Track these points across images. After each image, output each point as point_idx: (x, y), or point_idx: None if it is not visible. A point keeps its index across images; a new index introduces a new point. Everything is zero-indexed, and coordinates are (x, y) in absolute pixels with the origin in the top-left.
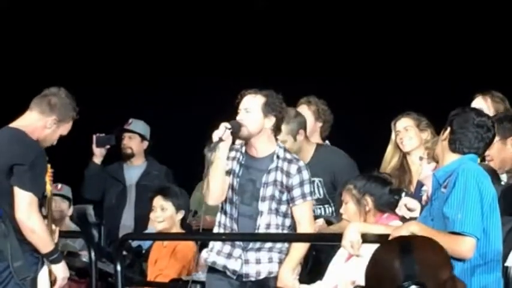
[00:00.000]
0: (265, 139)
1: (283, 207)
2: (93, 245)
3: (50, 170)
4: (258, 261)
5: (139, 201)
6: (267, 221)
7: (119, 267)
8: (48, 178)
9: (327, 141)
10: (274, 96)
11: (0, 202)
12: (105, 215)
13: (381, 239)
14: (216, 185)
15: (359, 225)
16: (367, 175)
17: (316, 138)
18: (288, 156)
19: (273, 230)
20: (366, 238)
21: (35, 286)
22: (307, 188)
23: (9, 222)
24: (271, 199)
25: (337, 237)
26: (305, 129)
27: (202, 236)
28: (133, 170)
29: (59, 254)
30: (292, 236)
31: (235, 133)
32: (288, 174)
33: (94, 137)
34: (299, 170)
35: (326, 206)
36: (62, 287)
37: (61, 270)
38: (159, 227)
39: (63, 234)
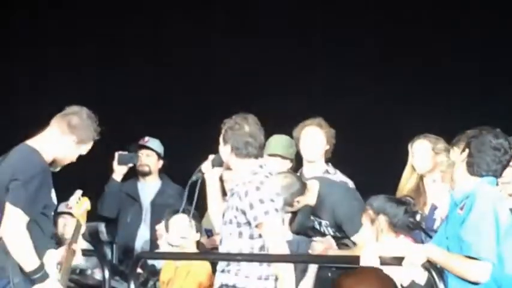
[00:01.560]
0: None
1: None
2: (106, 263)
3: (85, 206)
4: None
5: (154, 219)
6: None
7: (132, 286)
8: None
9: (329, 164)
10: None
11: (1, 218)
12: (119, 232)
13: (396, 261)
14: (213, 212)
15: (375, 246)
16: (385, 196)
17: (321, 162)
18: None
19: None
20: (382, 260)
21: None
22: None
23: None
24: (230, 222)
25: (353, 259)
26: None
27: (217, 256)
28: (148, 189)
29: (44, 272)
30: (308, 258)
31: (218, 165)
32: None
33: (116, 154)
34: (246, 193)
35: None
36: None
37: None
38: (178, 243)
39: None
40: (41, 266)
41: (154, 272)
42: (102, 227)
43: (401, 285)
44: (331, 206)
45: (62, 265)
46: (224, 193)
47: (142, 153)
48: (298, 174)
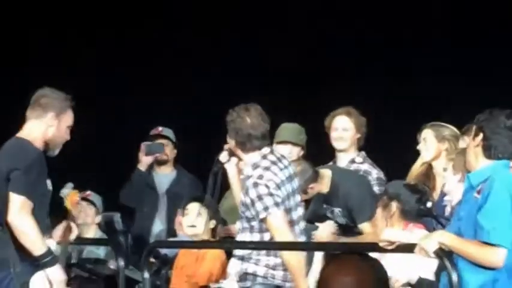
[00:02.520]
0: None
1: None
2: (121, 252)
3: (76, 197)
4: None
5: (170, 208)
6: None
7: (146, 275)
8: (70, 203)
9: (362, 152)
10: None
11: (2, 209)
12: (135, 222)
13: (411, 248)
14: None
15: (393, 232)
16: (403, 182)
17: (352, 151)
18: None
19: None
20: (399, 247)
21: None
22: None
23: (9, 229)
24: (241, 217)
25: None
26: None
27: (230, 244)
28: (164, 178)
29: (53, 257)
30: (322, 245)
31: (233, 155)
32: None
33: (142, 145)
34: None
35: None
36: None
37: (56, 273)
38: (189, 231)
39: (91, 241)
40: (50, 250)
41: (166, 261)
42: (117, 216)
43: (409, 284)
44: (343, 194)
45: (61, 243)
46: None
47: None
48: (331, 163)
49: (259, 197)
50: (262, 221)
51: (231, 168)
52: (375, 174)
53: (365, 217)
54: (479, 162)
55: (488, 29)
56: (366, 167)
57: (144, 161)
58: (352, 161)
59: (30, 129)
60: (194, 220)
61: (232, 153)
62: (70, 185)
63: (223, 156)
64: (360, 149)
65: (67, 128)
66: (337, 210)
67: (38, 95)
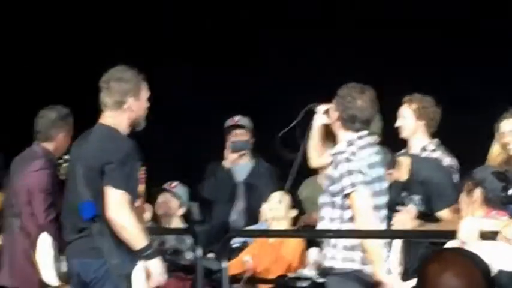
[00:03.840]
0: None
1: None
2: (199, 242)
3: (142, 169)
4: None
5: (248, 198)
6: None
7: (224, 264)
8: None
9: (436, 139)
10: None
11: (97, 201)
12: (214, 211)
13: (494, 235)
14: (311, 149)
15: (475, 220)
16: (492, 168)
17: (420, 138)
18: None
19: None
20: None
21: (129, 283)
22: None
23: (105, 220)
24: (325, 192)
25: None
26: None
27: (308, 233)
28: (241, 168)
29: (153, 250)
30: (401, 233)
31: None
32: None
33: (230, 142)
34: (337, 164)
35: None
36: (163, 283)
37: (156, 266)
38: (269, 214)
39: (172, 232)
40: (150, 244)
41: (235, 249)
42: (195, 207)
43: None
44: (422, 181)
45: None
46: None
47: (236, 133)
48: (403, 150)
49: (349, 172)
50: (346, 196)
51: (318, 120)
52: (446, 162)
53: (444, 204)
54: None
55: None
56: (438, 154)
57: (230, 158)
58: (424, 149)
59: (114, 119)
60: (274, 204)
61: (326, 113)
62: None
63: (321, 108)
64: (433, 135)
65: (146, 100)
66: (416, 197)
67: (105, 81)
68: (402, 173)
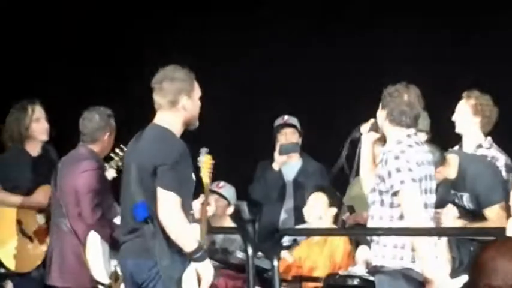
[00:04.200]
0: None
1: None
2: (249, 241)
3: (210, 162)
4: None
5: (296, 197)
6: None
7: (275, 263)
8: (206, 169)
9: (489, 138)
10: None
11: (149, 203)
12: (264, 210)
13: None
14: (363, 176)
15: None
16: None
17: (473, 134)
18: None
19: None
20: None
21: (180, 285)
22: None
23: (158, 222)
24: (374, 190)
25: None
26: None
27: (356, 231)
28: (290, 167)
29: (203, 252)
30: (447, 230)
31: (374, 130)
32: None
33: (278, 145)
34: (386, 161)
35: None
36: (212, 284)
37: (205, 268)
38: (307, 214)
39: (222, 231)
40: (201, 246)
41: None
42: (244, 206)
43: None
44: (471, 179)
45: (200, 217)
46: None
47: (286, 132)
48: (457, 147)
49: (398, 170)
50: (396, 194)
51: (367, 140)
52: (503, 160)
53: (493, 202)
54: None
55: None
56: (494, 152)
57: (280, 160)
58: (479, 146)
59: (168, 119)
60: (313, 205)
61: (374, 128)
62: (205, 150)
63: (364, 127)
64: (486, 134)
65: (199, 99)
66: (466, 195)
67: (163, 79)
68: (451, 171)
